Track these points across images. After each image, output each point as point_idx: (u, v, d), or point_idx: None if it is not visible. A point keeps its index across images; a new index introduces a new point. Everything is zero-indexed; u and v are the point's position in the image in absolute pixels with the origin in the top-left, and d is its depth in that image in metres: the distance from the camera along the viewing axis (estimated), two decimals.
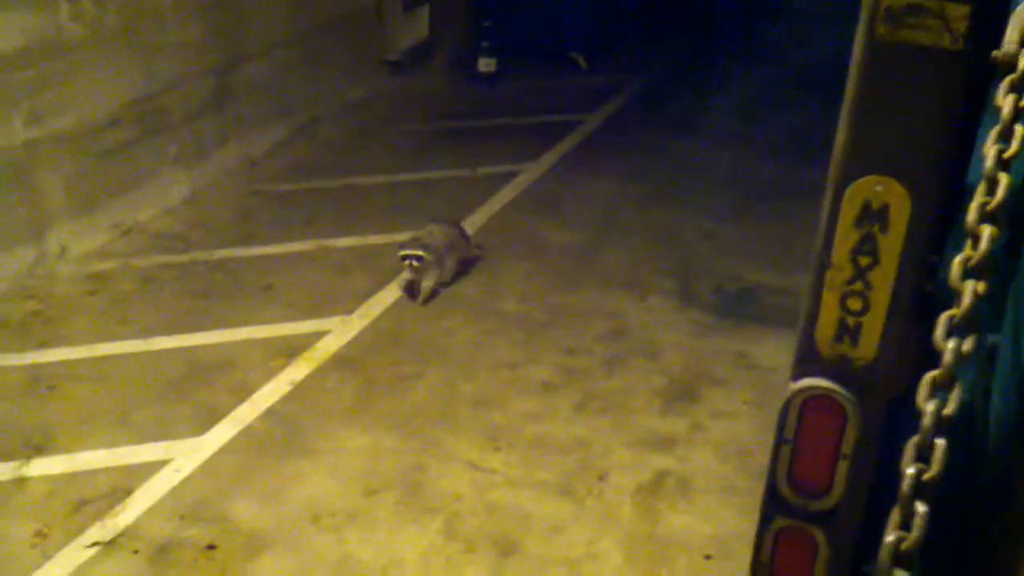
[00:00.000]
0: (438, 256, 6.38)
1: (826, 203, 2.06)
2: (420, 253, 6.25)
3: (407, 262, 6.26)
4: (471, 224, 7.46)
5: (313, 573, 4.30)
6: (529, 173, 8.50)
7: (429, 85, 10.57)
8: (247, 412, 5.32)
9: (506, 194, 8.07)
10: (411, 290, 6.43)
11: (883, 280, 2.03)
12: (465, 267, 6.75)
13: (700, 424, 5.36)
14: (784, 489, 2.21)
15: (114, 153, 6.98)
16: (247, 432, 5.18)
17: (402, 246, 6.33)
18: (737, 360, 5.93)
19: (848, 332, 2.07)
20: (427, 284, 6.36)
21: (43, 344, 5.84)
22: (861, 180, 2.02)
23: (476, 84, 10.77)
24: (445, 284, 6.54)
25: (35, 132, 6.32)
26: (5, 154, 6.12)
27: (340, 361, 5.82)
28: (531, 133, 9.39)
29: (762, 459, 4.92)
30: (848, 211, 2.04)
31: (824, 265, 2.07)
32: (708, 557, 4.45)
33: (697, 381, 5.72)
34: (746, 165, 8.85)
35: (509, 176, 8.38)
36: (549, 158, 8.85)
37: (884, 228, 2.02)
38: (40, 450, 4.96)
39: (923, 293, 2.04)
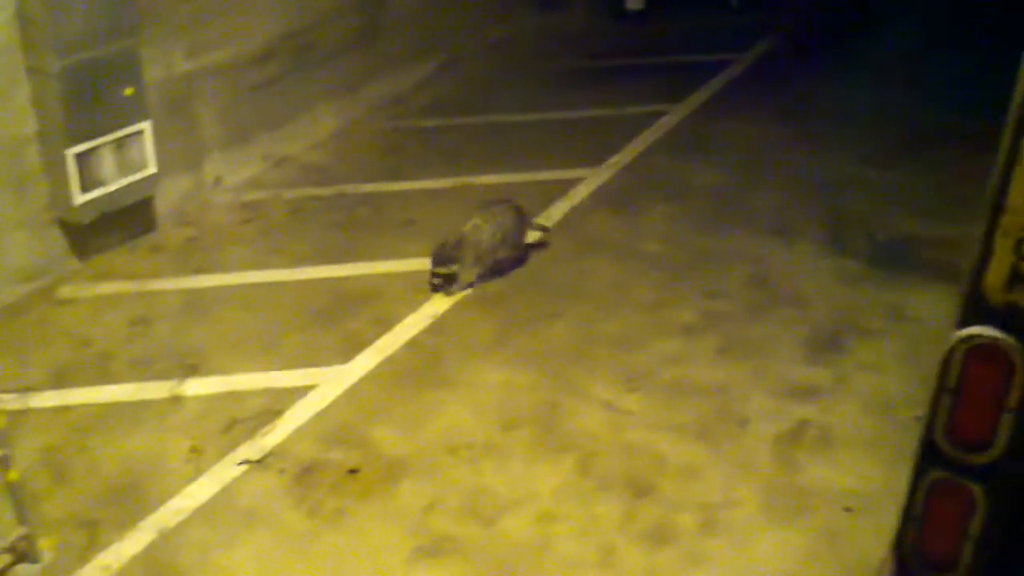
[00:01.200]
0: (477, 256, 5.83)
1: (1003, 144, 1.94)
2: (445, 271, 5.77)
3: (436, 281, 5.80)
4: (614, 165, 7.40)
5: (449, 501, 4.39)
6: (675, 113, 8.34)
7: (575, 23, 10.45)
8: (389, 342, 5.44)
9: (651, 135, 7.95)
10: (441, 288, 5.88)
11: None
12: (528, 252, 6.19)
13: (845, 375, 5.21)
14: (942, 441, 2.13)
15: (267, 86, 7.15)
16: (389, 362, 5.30)
17: (434, 256, 5.81)
18: (888, 311, 5.73)
19: (1021, 280, 1.96)
20: (463, 279, 5.85)
21: (198, 270, 6.08)
22: None
23: (623, 22, 10.59)
24: (500, 271, 6.02)
25: (194, 64, 6.52)
26: (167, 86, 6.34)
27: (480, 297, 5.87)
28: (678, 73, 9.19)
29: (910, 414, 4.81)
30: None
31: (998, 209, 1.96)
32: (848, 510, 4.35)
33: (844, 331, 5.56)
34: (905, 110, 8.46)
35: (654, 116, 8.24)
36: (696, 98, 8.66)
37: None
38: (194, 371, 5.19)
39: None
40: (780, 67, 9.46)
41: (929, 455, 2.16)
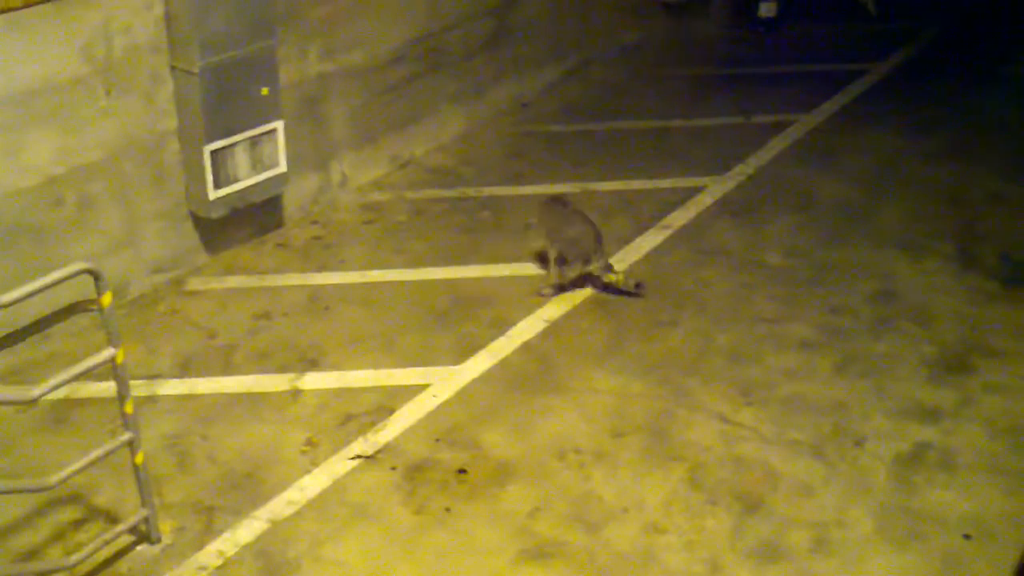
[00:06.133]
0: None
1: None
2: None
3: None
4: (739, 174, 7.28)
5: (556, 506, 4.40)
6: (806, 123, 8.16)
7: (706, 30, 10.32)
8: (503, 345, 5.48)
9: (779, 143, 7.79)
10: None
11: None
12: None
13: (971, 397, 5.02)
14: None
15: (396, 88, 7.29)
16: (502, 365, 5.34)
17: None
18: (1019, 333, 5.49)
19: None
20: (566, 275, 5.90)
21: (322, 267, 6.24)
22: None
23: (755, 29, 10.41)
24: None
25: (327, 66, 6.70)
26: (301, 87, 6.52)
27: (595, 303, 5.86)
28: (811, 82, 8.98)
29: None
30: None
31: None
32: (967, 536, 4.19)
33: (972, 351, 5.35)
34: None
35: (784, 125, 8.08)
36: (828, 108, 8.45)
37: None
38: (313, 365, 5.33)
39: None
40: (920, 78, 9.14)
41: None
